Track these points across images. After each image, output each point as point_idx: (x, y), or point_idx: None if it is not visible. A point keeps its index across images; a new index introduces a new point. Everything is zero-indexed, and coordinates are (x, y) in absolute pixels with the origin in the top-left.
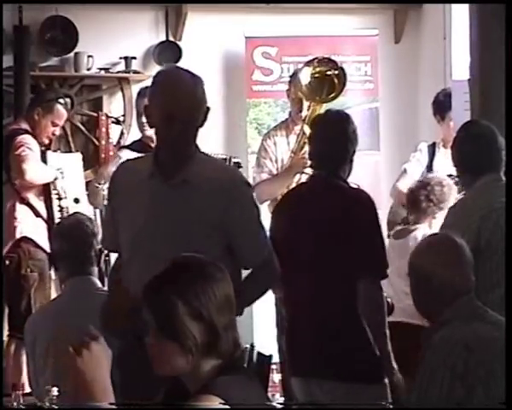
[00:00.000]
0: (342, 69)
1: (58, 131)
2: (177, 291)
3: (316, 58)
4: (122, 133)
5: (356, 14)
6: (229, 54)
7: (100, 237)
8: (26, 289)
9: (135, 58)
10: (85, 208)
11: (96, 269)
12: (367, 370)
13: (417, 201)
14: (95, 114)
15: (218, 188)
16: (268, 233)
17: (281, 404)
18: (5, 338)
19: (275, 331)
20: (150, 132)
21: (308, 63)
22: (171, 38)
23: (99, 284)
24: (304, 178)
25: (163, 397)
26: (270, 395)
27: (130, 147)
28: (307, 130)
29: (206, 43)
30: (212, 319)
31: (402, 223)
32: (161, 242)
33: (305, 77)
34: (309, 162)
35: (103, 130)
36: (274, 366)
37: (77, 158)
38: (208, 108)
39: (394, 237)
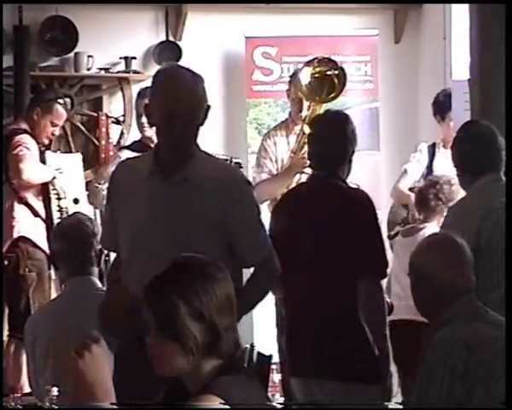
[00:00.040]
0: (342, 69)
1: (58, 131)
2: (177, 291)
3: (316, 58)
4: (122, 133)
5: (356, 14)
6: (229, 54)
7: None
8: (25, 289)
9: (135, 58)
10: (85, 208)
11: (96, 269)
12: (367, 370)
13: (426, 199)
14: (95, 114)
15: (219, 187)
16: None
17: (281, 404)
18: (5, 338)
19: (275, 331)
20: (150, 133)
21: (308, 63)
22: (171, 38)
23: (99, 284)
24: (304, 178)
25: (163, 397)
26: (270, 395)
27: (130, 147)
28: (307, 130)
29: (206, 43)
30: (212, 320)
31: (402, 223)
32: (161, 241)
33: (305, 77)
34: (308, 162)
35: (103, 130)
36: (274, 366)
37: (77, 158)
38: (209, 107)
39: (403, 234)
